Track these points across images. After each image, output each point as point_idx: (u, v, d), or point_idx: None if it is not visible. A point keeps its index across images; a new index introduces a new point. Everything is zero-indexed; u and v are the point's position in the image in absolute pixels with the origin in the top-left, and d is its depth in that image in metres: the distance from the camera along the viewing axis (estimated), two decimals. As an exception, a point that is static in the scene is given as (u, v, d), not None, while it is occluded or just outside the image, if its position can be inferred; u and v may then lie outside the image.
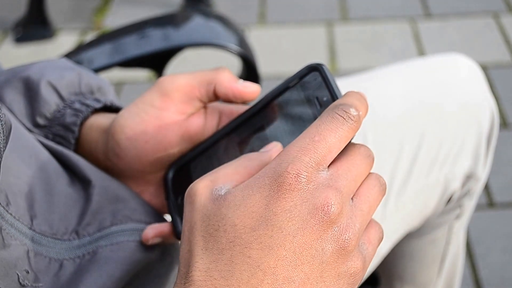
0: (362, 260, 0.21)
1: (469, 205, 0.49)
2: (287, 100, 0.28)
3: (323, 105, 0.26)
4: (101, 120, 0.32)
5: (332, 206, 0.20)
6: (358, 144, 0.23)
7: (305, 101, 0.26)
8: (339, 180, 0.21)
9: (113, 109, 0.34)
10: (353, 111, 0.22)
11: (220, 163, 0.29)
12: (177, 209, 0.29)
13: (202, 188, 0.22)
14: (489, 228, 0.82)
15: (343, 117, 0.22)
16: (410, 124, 0.43)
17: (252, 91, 0.29)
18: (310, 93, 0.26)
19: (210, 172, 0.23)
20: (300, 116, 0.27)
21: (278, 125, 0.27)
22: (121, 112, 0.30)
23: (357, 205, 0.22)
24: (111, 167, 0.31)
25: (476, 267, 0.77)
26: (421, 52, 1.18)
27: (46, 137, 0.32)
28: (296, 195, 0.20)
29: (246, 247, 0.20)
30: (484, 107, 0.45)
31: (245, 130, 0.29)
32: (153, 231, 0.29)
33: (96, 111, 0.33)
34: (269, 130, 0.28)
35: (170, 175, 0.30)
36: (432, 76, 0.46)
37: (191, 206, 0.22)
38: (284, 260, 0.20)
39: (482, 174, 0.47)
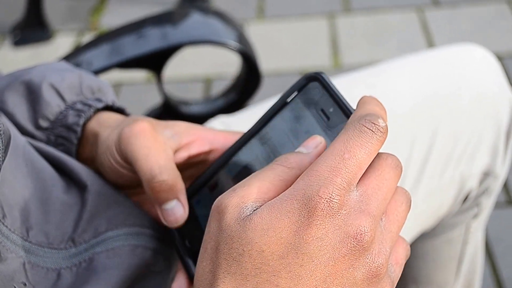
0: (390, 284, 0.21)
1: (488, 203, 0.48)
2: (288, 117, 0.26)
3: (331, 117, 0.24)
4: (106, 117, 0.32)
5: (365, 234, 0.20)
6: (385, 154, 0.22)
7: (310, 115, 0.25)
8: (371, 202, 0.21)
9: (114, 109, 0.34)
10: (381, 122, 0.21)
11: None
12: (187, 252, 0.29)
13: (232, 206, 0.21)
14: (509, 226, 0.81)
15: (371, 130, 0.21)
16: (421, 118, 0.42)
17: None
18: (312, 106, 0.25)
19: (242, 184, 0.22)
20: (306, 131, 0.25)
21: (281, 146, 0.26)
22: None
23: (387, 227, 0.21)
24: (114, 169, 0.31)
25: (497, 267, 0.76)
26: (430, 43, 1.17)
27: (48, 139, 0.33)
28: (328, 221, 0.20)
29: (274, 275, 0.20)
30: (502, 99, 0.44)
31: (244, 158, 0.28)
32: None
33: (98, 111, 0.33)
34: (273, 154, 0.26)
35: None
36: (444, 67, 0.45)
37: (218, 224, 0.21)
38: None
39: (502, 171, 0.45)
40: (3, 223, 0.25)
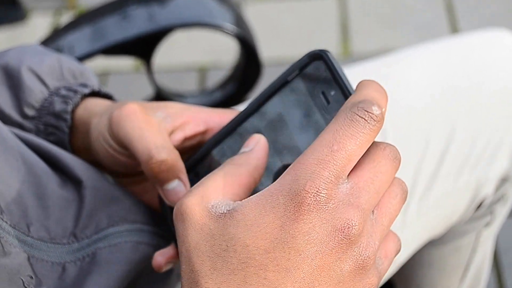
0: (377, 276, 0.23)
1: (502, 211, 0.48)
2: (287, 97, 0.27)
3: (331, 102, 0.25)
4: (93, 103, 0.33)
5: (353, 227, 0.21)
6: (383, 144, 0.23)
7: (309, 97, 0.26)
8: (361, 195, 0.22)
9: (101, 95, 0.35)
10: (375, 110, 0.22)
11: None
12: None
13: (194, 205, 0.23)
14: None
15: (364, 119, 0.22)
16: (438, 116, 0.42)
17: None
18: (314, 87, 0.26)
19: (197, 186, 0.24)
20: (305, 114, 0.26)
21: (278, 128, 0.27)
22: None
23: (377, 220, 0.23)
24: (111, 156, 0.31)
25: (502, 277, 0.78)
26: (454, 28, 1.16)
27: (37, 128, 0.34)
28: (315, 216, 0.21)
29: (261, 269, 0.21)
30: None
31: (239, 137, 0.29)
32: (163, 257, 0.30)
33: (85, 97, 0.34)
34: (268, 134, 0.27)
35: None
36: (468, 56, 0.44)
37: (184, 225, 0.23)
38: (301, 282, 0.21)
39: None
40: (2, 219, 0.26)
